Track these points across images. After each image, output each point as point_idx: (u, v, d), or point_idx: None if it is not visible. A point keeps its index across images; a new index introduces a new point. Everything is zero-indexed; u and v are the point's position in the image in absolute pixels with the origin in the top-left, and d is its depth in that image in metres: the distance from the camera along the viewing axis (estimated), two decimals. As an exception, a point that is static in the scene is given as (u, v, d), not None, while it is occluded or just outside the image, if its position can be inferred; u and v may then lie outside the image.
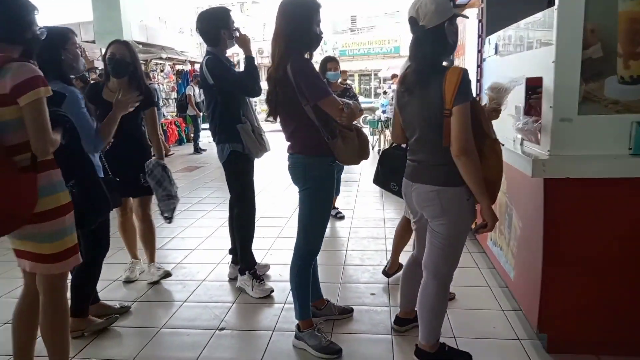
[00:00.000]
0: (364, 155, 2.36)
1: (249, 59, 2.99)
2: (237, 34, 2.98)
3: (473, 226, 2.17)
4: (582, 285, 2.21)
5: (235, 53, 11.28)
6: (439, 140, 1.95)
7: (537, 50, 2.36)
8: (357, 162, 2.36)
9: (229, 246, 3.45)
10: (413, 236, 2.57)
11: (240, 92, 2.98)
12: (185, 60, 14.05)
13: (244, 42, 2.98)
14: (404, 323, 2.58)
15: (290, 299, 2.79)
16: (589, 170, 2.08)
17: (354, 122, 2.32)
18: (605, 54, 2.03)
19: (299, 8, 2.20)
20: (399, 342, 2.47)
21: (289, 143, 2.34)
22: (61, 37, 2.34)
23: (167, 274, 3.34)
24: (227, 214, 3.35)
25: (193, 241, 4.27)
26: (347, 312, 2.74)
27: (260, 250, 3.87)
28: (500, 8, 3.37)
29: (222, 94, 2.94)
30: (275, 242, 4.16)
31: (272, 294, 3.05)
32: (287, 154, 2.35)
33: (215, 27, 2.94)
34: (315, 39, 2.24)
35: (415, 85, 2.00)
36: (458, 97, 1.85)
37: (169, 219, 3.11)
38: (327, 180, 2.31)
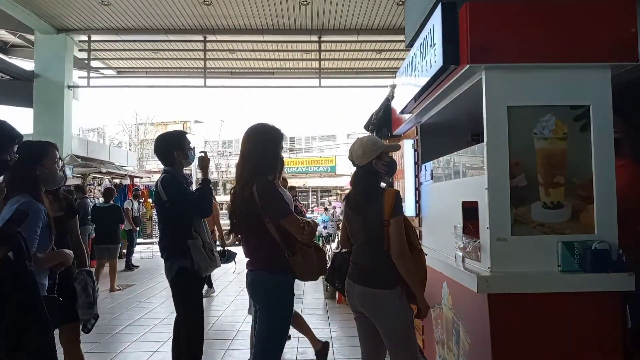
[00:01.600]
0: (322, 270, 2.45)
1: (206, 182, 3.12)
2: (202, 154, 3.15)
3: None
4: (532, 400, 2.26)
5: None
6: (381, 245, 2.32)
7: (471, 178, 2.68)
8: (315, 278, 2.44)
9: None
10: None
11: (192, 212, 3.04)
12: (125, 174, 13.96)
13: (203, 164, 3.14)
14: None
15: None
16: (527, 285, 2.27)
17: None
18: (529, 183, 2.36)
19: (268, 136, 2.43)
20: None
21: (248, 259, 2.38)
22: (40, 151, 2.34)
23: None
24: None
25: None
26: None
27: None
28: (432, 139, 3.84)
29: (175, 211, 2.98)
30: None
31: None
32: (247, 271, 2.38)
33: (168, 148, 3.09)
34: (280, 163, 2.45)
35: (358, 206, 2.46)
36: (394, 211, 2.30)
37: (88, 330, 2.84)
38: (288, 296, 2.33)
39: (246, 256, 2.41)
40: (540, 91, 2.37)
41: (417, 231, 3.90)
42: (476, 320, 2.51)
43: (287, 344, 4.47)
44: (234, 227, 2.40)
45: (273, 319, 2.29)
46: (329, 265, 2.64)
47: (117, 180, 13.63)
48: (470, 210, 2.65)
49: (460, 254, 2.71)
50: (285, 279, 2.31)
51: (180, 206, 2.97)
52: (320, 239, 9.62)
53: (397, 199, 2.33)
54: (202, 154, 3.16)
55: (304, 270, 2.32)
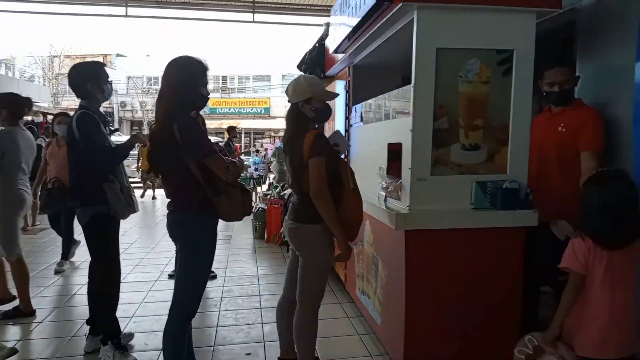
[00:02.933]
0: (248, 211, 2.41)
1: (130, 144, 2.96)
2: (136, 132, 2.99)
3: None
4: (439, 324, 2.47)
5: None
6: (302, 185, 2.37)
7: (396, 120, 2.71)
8: (240, 219, 2.39)
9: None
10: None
11: (97, 159, 2.77)
12: (37, 111, 12.75)
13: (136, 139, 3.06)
14: None
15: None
16: (441, 222, 2.40)
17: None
18: (451, 126, 2.43)
19: (185, 70, 2.25)
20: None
21: (170, 200, 2.29)
22: None
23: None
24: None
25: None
26: (223, 374, 2.63)
27: (122, 318, 3.57)
28: (365, 81, 3.82)
29: (89, 151, 2.75)
30: (139, 308, 3.83)
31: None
32: (167, 211, 2.29)
33: (82, 80, 2.82)
34: (201, 99, 2.31)
35: (285, 145, 2.43)
36: (312, 152, 2.29)
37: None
38: (210, 237, 2.28)
39: (167, 197, 2.31)
40: (468, 34, 2.40)
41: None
42: (394, 255, 2.64)
43: (213, 283, 4.53)
44: (154, 168, 2.27)
45: (195, 260, 2.24)
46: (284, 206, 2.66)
47: (28, 118, 12.44)
48: (395, 153, 2.71)
49: (383, 193, 2.79)
50: (208, 219, 2.25)
51: (91, 148, 2.73)
52: (252, 181, 9.55)
53: (316, 140, 2.31)
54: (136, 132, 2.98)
55: (229, 211, 2.28)
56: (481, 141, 2.46)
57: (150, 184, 11.42)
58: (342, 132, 3.96)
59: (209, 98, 2.37)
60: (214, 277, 4.67)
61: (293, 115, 2.45)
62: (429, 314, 2.46)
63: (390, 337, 2.76)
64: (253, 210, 6.65)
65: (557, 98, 2.69)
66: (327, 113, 2.53)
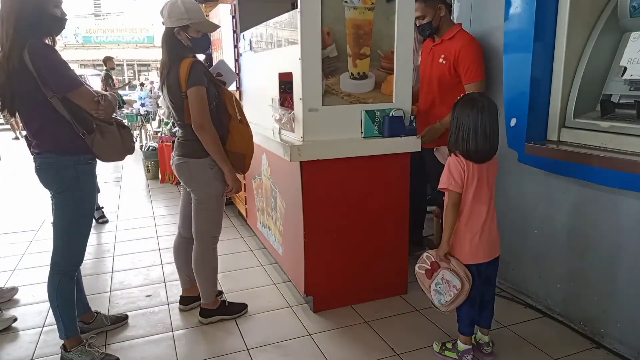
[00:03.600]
0: (129, 150, 2.23)
1: None
2: None
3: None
4: (336, 249, 2.61)
5: None
6: (183, 118, 2.28)
7: (286, 48, 2.63)
8: (121, 158, 2.22)
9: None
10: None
11: None
12: None
13: None
14: (187, 302, 2.70)
15: (50, 320, 2.45)
16: (334, 151, 2.45)
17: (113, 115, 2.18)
18: (339, 54, 2.41)
19: None
20: (179, 337, 2.44)
21: (34, 142, 2.01)
22: None
23: None
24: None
25: None
26: (120, 320, 2.55)
27: (3, 272, 3.25)
28: (252, 5, 3.61)
29: None
30: (21, 260, 3.52)
31: (16, 322, 2.58)
32: (33, 154, 2.03)
33: None
34: (54, 22, 1.97)
35: (162, 74, 2.31)
36: (189, 81, 2.17)
37: None
38: (87, 180, 2.09)
39: (30, 139, 2.03)
40: (353, -43, 2.33)
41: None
42: (291, 186, 2.67)
43: (105, 227, 4.28)
44: (8, 106, 1.94)
45: (70, 205, 2.05)
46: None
47: None
48: (287, 83, 2.65)
49: (277, 125, 2.76)
50: (81, 160, 2.04)
51: None
52: (139, 117, 8.88)
53: (193, 68, 2.18)
54: None
55: (105, 150, 2.08)
56: (369, 70, 2.49)
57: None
58: (231, 61, 3.77)
59: (66, 20, 2.03)
60: (105, 221, 4.41)
61: (168, 42, 2.27)
62: (327, 240, 2.57)
63: (292, 266, 2.87)
64: (143, 149, 6.27)
65: (420, 32, 2.82)
66: (206, 43, 2.38)
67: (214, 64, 3.10)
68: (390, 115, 2.53)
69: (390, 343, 2.32)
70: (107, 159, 2.13)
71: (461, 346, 2.17)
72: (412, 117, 2.59)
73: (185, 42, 2.27)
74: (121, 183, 6.15)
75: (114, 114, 2.19)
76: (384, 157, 2.58)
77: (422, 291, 2.79)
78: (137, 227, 4.29)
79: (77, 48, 25.04)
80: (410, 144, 2.60)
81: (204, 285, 2.51)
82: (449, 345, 2.22)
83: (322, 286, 2.63)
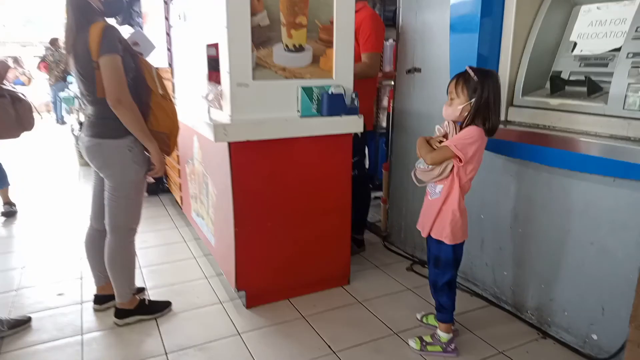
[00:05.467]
0: (26, 125, 1.90)
1: None
2: None
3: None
4: (271, 238, 2.37)
5: None
6: (94, 92, 1.96)
7: (213, 16, 2.33)
8: (15, 135, 1.89)
9: None
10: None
11: None
12: None
13: None
14: (102, 300, 2.41)
15: None
16: (267, 132, 2.20)
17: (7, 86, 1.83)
18: (272, 23, 2.16)
19: None
20: (89, 341, 2.14)
21: None
22: None
23: None
24: None
25: None
26: (21, 324, 2.22)
27: None
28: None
29: None
30: None
31: None
32: None
33: None
34: None
35: (68, 41, 1.97)
36: (102, 49, 1.87)
37: None
38: None
39: None
40: None
41: (172, 83, 3.52)
42: (220, 171, 2.41)
43: (13, 221, 3.84)
44: None
45: None
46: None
47: None
48: (216, 60, 2.37)
49: (206, 103, 2.47)
50: None
51: None
52: (75, 99, 8.22)
53: (106, 34, 1.87)
54: None
55: None
56: (305, 42, 2.25)
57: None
58: (162, 35, 3.43)
59: None
60: (14, 213, 3.94)
61: (74, 3, 1.94)
62: (260, 230, 2.33)
63: (224, 258, 2.61)
64: (74, 133, 5.79)
65: None
66: (119, 6, 2.07)
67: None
68: (330, 92, 2.30)
69: (328, 340, 2.13)
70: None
71: (444, 337, 2.03)
72: (354, 95, 2.37)
73: (95, 4, 1.96)
74: (47, 170, 5.64)
75: (9, 86, 1.85)
76: (323, 138, 2.35)
77: (365, 281, 2.63)
78: (57, 218, 3.87)
79: None
80: (352, 124, 2.39)
81: (119, 283, 2.22)
82: (428, 339, 2.06)
83: (255, 280, 2.40)
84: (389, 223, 3.26)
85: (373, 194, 4.34)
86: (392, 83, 4.03)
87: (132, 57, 2.03)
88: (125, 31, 3.68)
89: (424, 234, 1.99)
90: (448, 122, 1.91)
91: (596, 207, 1.89)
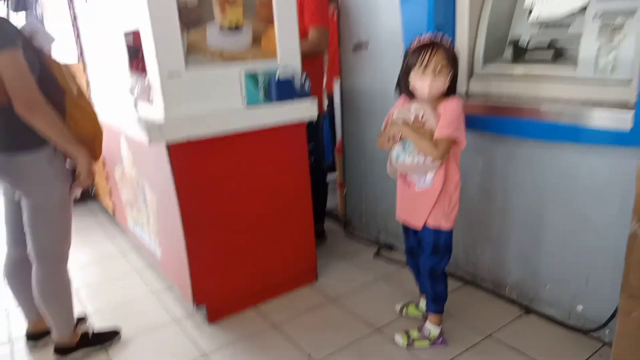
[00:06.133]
0: None
1: None
2: None
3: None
4: (227, 243, 2.11)
5: None
6: None
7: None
8: None
9: None
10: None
11: None
12: None
13: None
14: (38, 337, 2.04)
15: None
16: (209, 127, 1.91)
17: None
18: (201, 1, 1.84)
19: None
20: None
21: None
22: None
23: None
24: None
25: None
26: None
27: None
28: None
29: None
30: None
31: None
32: None
33: None
34: None
35: None
36: None
37: None
38: None
39: None
40: None
41: (85, 80, 3.06)
42: (159, 176, 2.09)
43: None
44: None
45: None
46: None
47: None
48: (136, 46, 2.01)
49: (132, 99, 2.12)
50: None
51: None
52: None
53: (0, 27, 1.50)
54: None
55: None
56: (242, 20, 1.96)
57: None
58: (68, 25, 2.96)
59: None
60: None
61: None
62: (214, 235, 2.06)
63: (175, 270, 2.31)
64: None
65: None
66: None
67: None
68: (277, 75, 2.04)
69: (306, 348, 1.93)
70: None
71: (434, 331, 1.88)
72: (304, 76, 2.13)
73: None
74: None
75: None
76: (275, 129, 2.10)
77: (333, 275, 2.45)
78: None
79: None
80: (305, 109, 2.15)
81: (55, 319, 1.87)
82: (415, 334, 1.90)
83: (215, 291, 2.14)
84: (348, 209, 3.08)
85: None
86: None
87: (35, 53, 1.65)
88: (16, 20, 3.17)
89: (419, 226, 1.80)
90: (416, 104, 1.68)
91: (572, 177, 1.81)
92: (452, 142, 1.65)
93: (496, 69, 2.04)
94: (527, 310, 2.08)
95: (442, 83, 1.63)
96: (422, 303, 2.06)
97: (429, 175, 1.72)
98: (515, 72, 1.95)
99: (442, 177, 1.70)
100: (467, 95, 2.12)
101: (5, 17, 1.56)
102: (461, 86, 2.12)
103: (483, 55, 2.07)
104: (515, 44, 2.02)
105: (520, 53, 2.01)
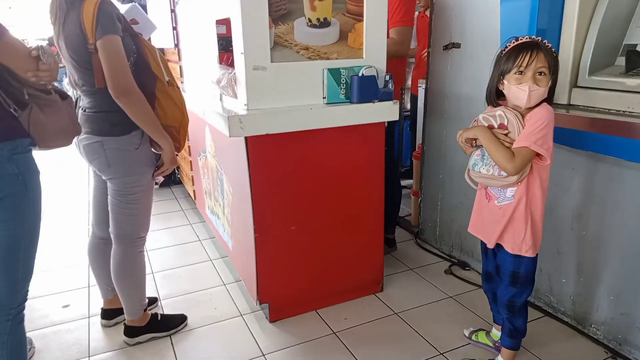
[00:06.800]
0: (78, 129, 1.58)
1: None
2: None
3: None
4: (295, 244, 2.10)
5: None
6: (92, 81, 1.66)
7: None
8: (69, 142, 1.55)
9: None
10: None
11: None
12: None
13: None
14: (111, 315, 2.16)
15: None
16: (289, 123, 1.90)
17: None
18: (290, -7, 1.83)
19: None
20: (99, 363, 1.91)
21: None
22: None
23: None
24: None
25: None
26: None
27: None
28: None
29: None
30: None
31: None
32: None
33: None
34: None
35: (56, 19, 1.66)
36: (100, 30, 1.56)
37: None
38: (30, 177, 1.39)
39: None
40: None
41: (179, 67, 3.21)
42: (236, 167, 2.12)
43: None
44: None
45: (14, 212, 1.37)
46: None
47: None
48: (227, 37, 2.06)
49: (217, 90, 2.17)
50: (16, 148, 1.34)
51: None
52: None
53: (102, 10, 1.56)
54: None
55: (49, 132, 1.41)
56: (331, 15, 1.92)
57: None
58: (167, 12, 3.12)
59: None
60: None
61: None
62: (283, 234, 2.05)
63: (243, 264, 2.34)
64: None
65: None
66: None
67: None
68: (360, 74, 1.98)
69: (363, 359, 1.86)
70: (50, 143, 1.47)
71: None
72: (388, 77, 2.05)
73: None
74: (53, 172, 5.42)
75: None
76: (353, 129, 2.04)
77: (400, 287, 2.36)
78: (65, 222, 3.60)
79: None
80: (386, 112, 2.07)
81: (128, 299, 1.96)
82: None
83: (279, 290, 2.13)
84: (422, 218, 2.95)
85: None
86: (413, 60, 3.71)
87: (132, 38, 1.73)
88: (121, 6, 3.39)
89: (491, 243, 1.65)
90: (504, 111, 1.51)
91: (689, 209, 1.57)
92: (532, 156, 1.46)
93: (605, 79, 1.81)
94: (615, 354, 1.84)
95: (542, 91, 1.44)
96: (495, 332, 1.90)
97: (510, 191, 1.55)
98: (628, 85, 1.72)
99: (525, 194, 1.52)
100: (569, 107, 1.91)
101: (109, 0, 1.63)
102: (562, 97, 1.92)
103: (590, 64, 1.86)
104: (632, 52, 1.79)
105: (636, 62, 1.77)
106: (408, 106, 4.06)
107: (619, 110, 1.74)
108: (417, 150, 3.15)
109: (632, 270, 1.76)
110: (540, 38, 1.48)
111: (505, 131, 1.51)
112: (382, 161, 2.21)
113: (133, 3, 2.45)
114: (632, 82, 1.72)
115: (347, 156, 2.10)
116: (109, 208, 1.86)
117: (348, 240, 2.21)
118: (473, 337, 1.95)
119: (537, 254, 1.61)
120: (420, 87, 3.36)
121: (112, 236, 1.90)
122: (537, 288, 2.18)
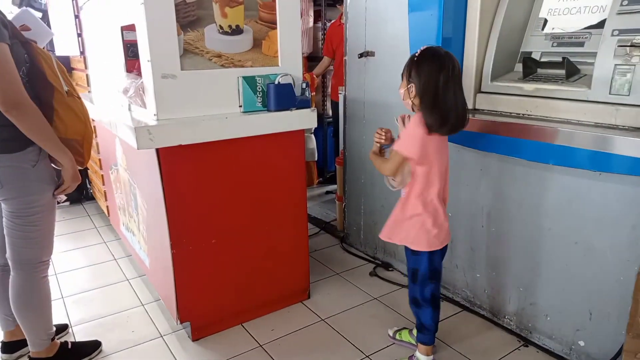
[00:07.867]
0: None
1: None
2: None
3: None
4: (216, 258, 2.02)
5: None
6: None
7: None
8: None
9: None
10: None
11: None
12: None
13: None
14: (13, 348, 1.96)
15: None
16: (203, 133, 1.83)
17: None
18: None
19: None
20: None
21: None
22: None
23: None
24: None
25: None
26: None
27: None
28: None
29: None
30: None
31: None
32: None
33: None
34: None
35: None
36: None
37: None
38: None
39: None
40: None
41: (86, 75, 3.00)
42: (149, 181, 2.01)
43: None
44: None
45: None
46: None
47: None
48: (134, 45, 1.94)
49: (126, 100, 2.05)
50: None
51: None
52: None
53: None
54: None
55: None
56: (243, 22, 1.89)
57: None
58: (71, 18, 2.91)
59: None
60: None
61: None
62: (203, 249, 1.97)
63: (162, 282, 2.22)
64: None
65: None
66: None
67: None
68: (277, 82, 1.96)
69: (291, 373, 1.83)
70: None
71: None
72: (305, 85, 2.05)
73: None
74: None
75: None
76: (271, 137, 2.01)
77: (326, 293, 2.37)
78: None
79: None
80: (305, 119, 2.06)
81: (31, 330, 1.78)
82: None
83: (200, 307, 2.04)
84: (346, 222, 2.98)
85: (325, 188, 4.09)
86: (331, 68, 3.76)
87: (23, 46, 1.58)
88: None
89: (384, 238, 1.74)
90: (402, 116, 1.69)
91: (580, 204, 1.70)
92: (402, 158, 1.60)
93: (505, 84, 1.94)
94: (526, 341, 1.96)
95: (402, 92, 1.61)
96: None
97: (403, 190, 1.69)
98: (526, 89, 1.86)
99: (407, 194, 1.66)
100: (474, 112, 2.02)
101: None
102: (467, 102, 2.02)
103: (492, 70, 1.98)
104: (528, 59, 1.93)
105: (531, 69, 1.92)
106: (330, 112, 4.12)
107: (519, 114, 1.87)
108: (339, 156, 3.18)
109: (536, 263, 1.89)
110: (426, 49, 1.57)
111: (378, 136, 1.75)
112: (303, 168, 2.20)
113: (24, 8, 2.25)
114: (529, 86, 1.86)
115: (267, 165, 2.07)
116: (4, 232, 1.68)
117: (272, 251, 2.17)
118: (397, 337, 1.99)
119: (439, 252, 1.69)
120: (340, 94, 3.40)
121: (9, 262, 1.71)
122: (455, 284, 2.28)
